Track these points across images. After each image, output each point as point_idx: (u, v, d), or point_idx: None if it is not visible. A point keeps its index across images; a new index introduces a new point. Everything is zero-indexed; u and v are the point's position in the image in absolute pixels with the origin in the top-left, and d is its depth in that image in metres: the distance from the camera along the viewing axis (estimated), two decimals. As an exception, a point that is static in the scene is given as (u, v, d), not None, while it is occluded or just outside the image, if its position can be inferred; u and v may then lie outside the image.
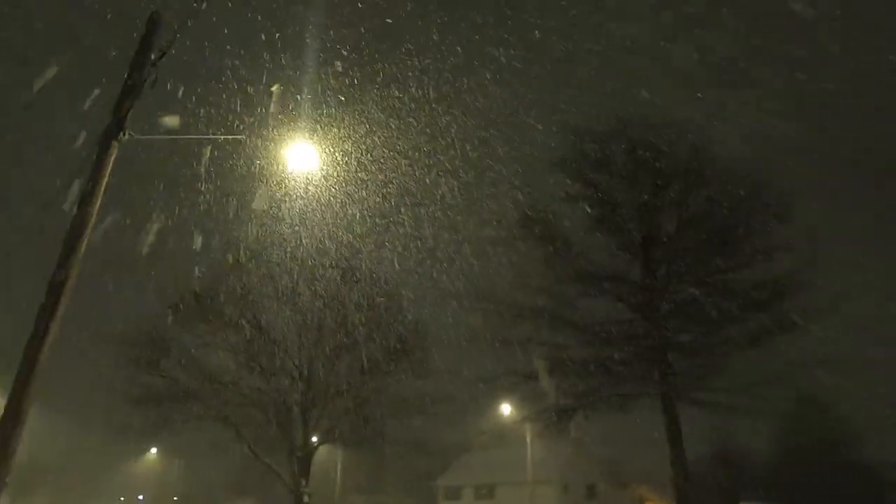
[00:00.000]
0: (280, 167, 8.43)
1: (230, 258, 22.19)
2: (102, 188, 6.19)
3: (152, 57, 6.57)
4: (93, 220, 6.05)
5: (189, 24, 6.52)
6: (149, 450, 63.60)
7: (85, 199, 6.03)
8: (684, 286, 18.95)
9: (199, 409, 23.24)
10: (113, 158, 6.34)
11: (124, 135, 6.38)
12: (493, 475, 44.42)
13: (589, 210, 19.03)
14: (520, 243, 19.08)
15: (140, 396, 22.71)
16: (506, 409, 29.16)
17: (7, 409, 5.22)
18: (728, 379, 18.22)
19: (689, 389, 18.43)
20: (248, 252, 21.84)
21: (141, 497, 76.64)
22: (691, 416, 18.65)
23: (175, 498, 65.03)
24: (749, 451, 42.82)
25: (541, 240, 18.96)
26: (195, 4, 6.53)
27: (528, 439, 31.08)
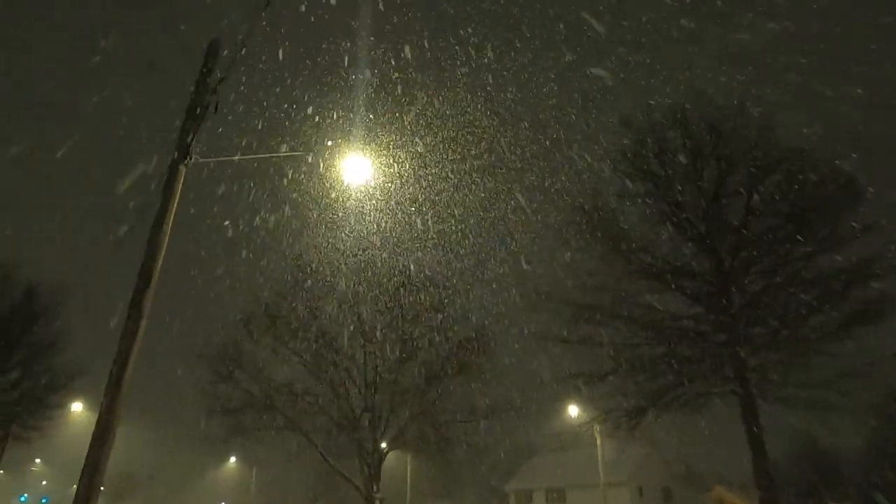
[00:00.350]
0: (338, 181, 8.61)
1: (294, 272, 22.96)
2: (174, 210, 6.50)
3: (213, 83, 6.85)
4: (166, 240, 6.36)
5: (245, 51, 6.76)
6: (228, 459, 66.36)
7: (158, 221, 6.36)
8: (756, 277, 18.05)
9: (272, 419, 24.08)
10: (181, 181, 6.66)
11: (190, 158, 6.69)
12: (563, 478, 43.70)
13: (650, 203, 18.45)
14: (579, 242, 18.70)
15: (216, 408, 23.75)
16: (573, 410, 28.64)
17: (97, 424, 5.55)
18: (810, 374, 17.19)
19: (767, 386, 17.51)
20: (310, 265, 22.49)
21: (223, 504, 79.86)
22: (771, 413, 17.72)
23: (254, 505, 67.32)
24: (836, 450, 40.34)
25: (600, 237, 18.51)
26: (251, 32, 6.77)
27: (598, 441, 30.38)
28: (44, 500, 66.58)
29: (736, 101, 18.00)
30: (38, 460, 65.58)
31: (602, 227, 18.41)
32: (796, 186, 16.99)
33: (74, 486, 5.45)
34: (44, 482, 73.67)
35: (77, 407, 30.46)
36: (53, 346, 29.28)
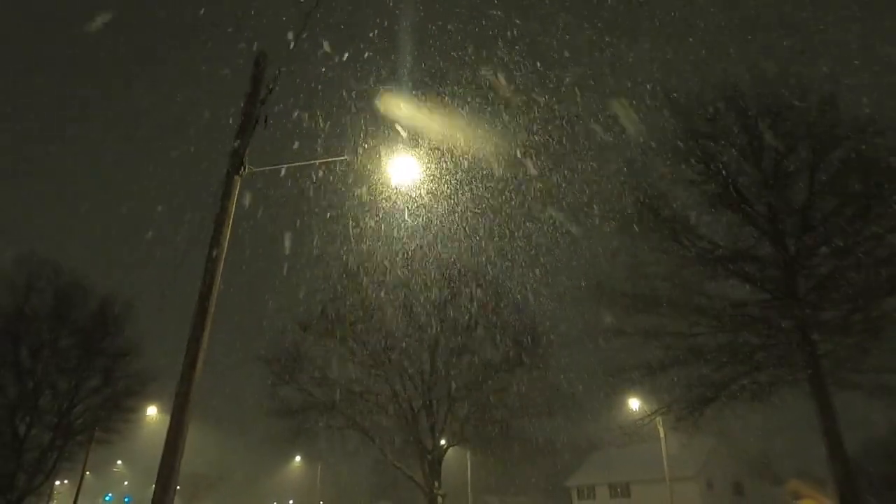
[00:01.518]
0: (386, 181, 8.75)
1: (347, 272, 23.41)
2: (231, 219, 6.77)
3: (261, 96, 7.09)
4: (226, 248, 6.63)
5: (291, 63, 6.98)
6: (293, 458, 68.42)
7: (217, 230, 6.63)
8: (824, 259, 17.14)
9: (333, 419, 24.70)
10: (237, 191, 6.92)
11: (244, 169, 6.94)
12: (627, 473, 42.86)
13: (706, 188, 17.81)
14: (634, 232, 18.23)
15: (279, 409, 24.57)
16: (634, 403, 28.04)
17: (170, 427, 5.84)
18: (886, 358, 16.20)
19: (840, 372, 16.61)
20: (364, 266, 22.89)
21: (291, 502, 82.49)
22: (846, 401, 16.81)
23: (321, 502, 69.29)
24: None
25: (656, 226, 18.00)
26: (294, 45, 6.96)
27: (662, 434, 29.63)
28: (126, 500, 70.65)
29: (792, 73, 17.11)
30: (119, 462, 69.55)
31: (655, 215, 17.91)
32: (864, 161, 16.03)
33: (153, 486, 5.76)
34: (125, 482, 78.09)
35: (152, 411, 32.14)
36: (128, 353, 30.99)
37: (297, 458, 67.82)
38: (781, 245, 17.16)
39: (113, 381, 30.70)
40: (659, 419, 23.01)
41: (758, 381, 17.74)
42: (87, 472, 29.73)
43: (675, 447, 31.77)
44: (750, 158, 17.33)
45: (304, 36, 7.09)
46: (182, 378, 5.96)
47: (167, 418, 6.05)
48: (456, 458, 42.52)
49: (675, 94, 18.19)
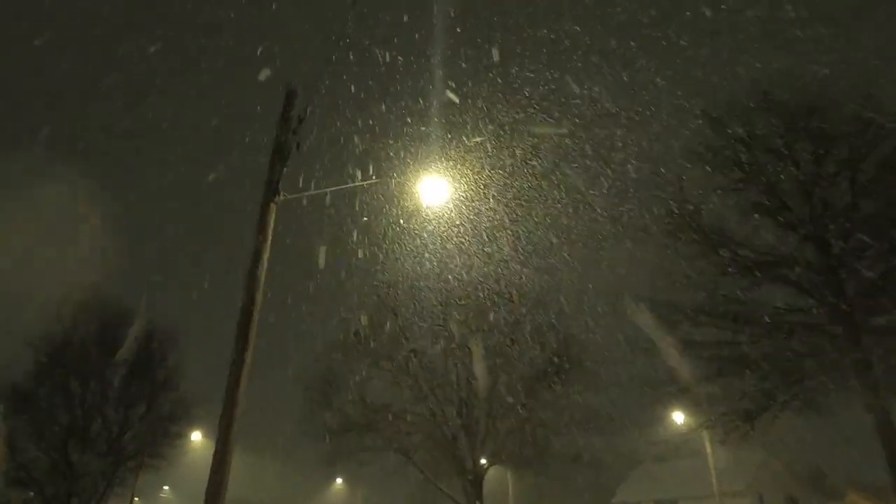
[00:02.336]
0: (416, 202, 8.85)
1: (380, 293, 23.59)
2: (268, 245, 6.93)
3: (293, 125, 7.30)
4: (264, 274, 6.78)
5: (321, 92, 7.19)
6: (334, 480, 68.57)
7: (255, 257, 6.80)
8: (873, 261, 16.51)
9: (372, 440, 24.71)
10: (273, 218, 7.10)
11: (279, 196, 7.13)
12: (673, 489, 41.63)
13: (744, 194, 17.42)
14: (669, 242, 17.91)
15: (318, 432, 24.73)
16: (678, 417, 27.28)
17: (215, 452, 5.96)
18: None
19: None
20: (396, 285, 23.04)
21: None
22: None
23: (362, 524, 68.97)
24: None
25: (692, 235, 17.65)
26: (323, 78, 7.17)
27: (708, 448, 28.72)
28: (174, 524, 71.72)
29: (827, 70, 16.69)
30: (166, 487, 70.80)
31: (689, 225, 17.57)
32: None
33: (200, 510, 5.86)
34: (172, 507, 79.32)
35: (196, 436, 32.74)
36: (173, 380, 31.79)
37: (339, 481, 67.92)
38: (826, 249, 16.61)
39: (158, 408, 31.47)
40: (705, 432, 22.34)
41: (808, 390, 17.08)
42: (136, 498, 30.39)
43: (723, 461, 30.76)
44: (788, 161, 16.89)
45: (334, 62, 7.28)
46: (225, 400, 6.08)
47: (211, 444, 6.18)
48: (497, 477, 41.99)
49: (705, 100, 17.97)
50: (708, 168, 17.80)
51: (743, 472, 35.38)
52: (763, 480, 37.64)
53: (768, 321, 17.17)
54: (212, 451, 5.98)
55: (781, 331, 17.10)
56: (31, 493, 29.41)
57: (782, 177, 16.97)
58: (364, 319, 23.90)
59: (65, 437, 28.85)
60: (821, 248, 16.68)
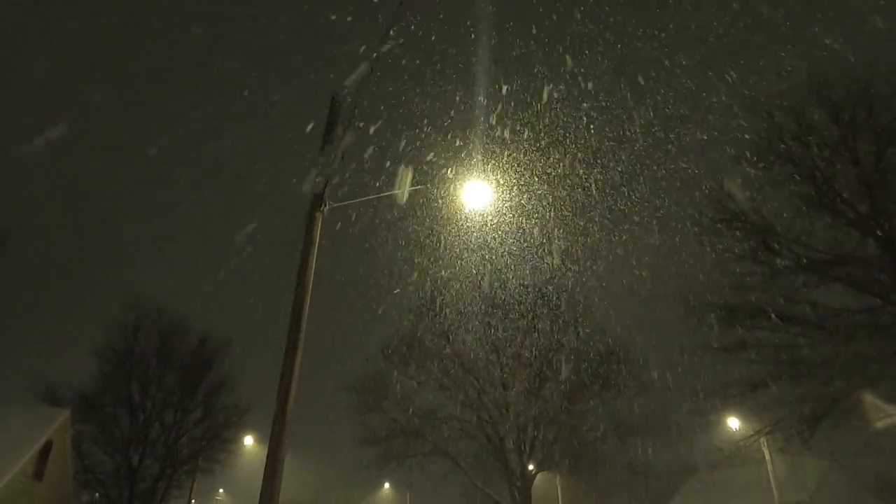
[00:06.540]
0: (460, 208, 8.88)
1: (425, 299, 23.72)
2: (315, 254, 7.08)
3: (337, 134, 7.45)
4: (311, 282, 6.92)
5: (364, 101, 7.31)
6: (382, 485, 69.02)
7: (302, 266, 6.95)
8: (941, 258, 15.58)
9: (420, 445, 24.81)
10: (319, 227, 7.25)
11: (325, 205, 7.27)
12: (730, 499, 40.12)
13: (798, 190, 16.72)
14: (721, 241, 17.36)
15: (367, 437, 25.00)
16: (734, 423, 26.31)
17: (268, 456, 6.10)
18: None
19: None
20: (441, 291, 23.12)
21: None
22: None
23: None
24: None
25: (744, 233, 17.05)
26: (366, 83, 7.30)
27: (767, 456, 27.55)
28: (229, 527, 73.64)
29: (882, 57, 15.84)
30: (221, 490, 72.82)
31: (743, 222, 16.98)
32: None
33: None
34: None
35: (249, 441, 33.63)
36: (226, 386, 32.81)
37: (387, 486, 68.36)
38: (889, 246, 15.76)
39: (213, 413, 32.53)
40: (763, 439, 21.46)
41: (875, 394, 16.23)
42: (193, 501, 31.42)
43: (782, 470, 29.47)
44: (845, 156, 16.14)
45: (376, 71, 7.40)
46: (278, 403, 6.23)
47: (263, 448, 6.32)
48: (546, 483, 41.41)
49: (754, 93, 17.38)
50: (760, 163, 17.19)
51: (805, 482, 33.80)
52: (827, 491, 35.84)
53: (829, 322, 16.40)
54: (264, 455, 6.14)
55: (843, 332, 16.29)
56: (97, 495, 30.82)
57: (840, 171, 16.23)
58: (410, 324, 24.10)
59: (127, 442, 30.15)
60: (883, 245, 15.84)
